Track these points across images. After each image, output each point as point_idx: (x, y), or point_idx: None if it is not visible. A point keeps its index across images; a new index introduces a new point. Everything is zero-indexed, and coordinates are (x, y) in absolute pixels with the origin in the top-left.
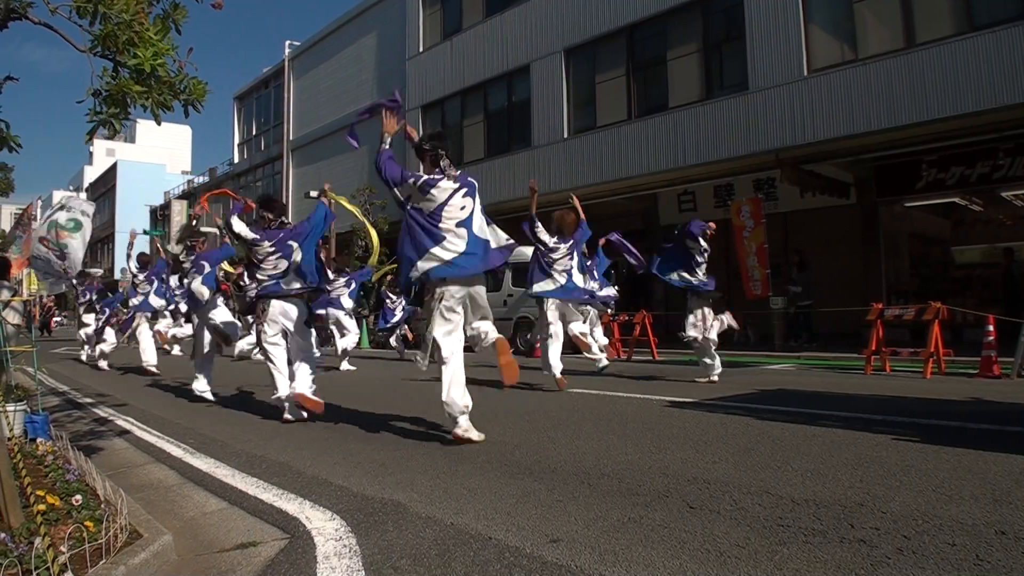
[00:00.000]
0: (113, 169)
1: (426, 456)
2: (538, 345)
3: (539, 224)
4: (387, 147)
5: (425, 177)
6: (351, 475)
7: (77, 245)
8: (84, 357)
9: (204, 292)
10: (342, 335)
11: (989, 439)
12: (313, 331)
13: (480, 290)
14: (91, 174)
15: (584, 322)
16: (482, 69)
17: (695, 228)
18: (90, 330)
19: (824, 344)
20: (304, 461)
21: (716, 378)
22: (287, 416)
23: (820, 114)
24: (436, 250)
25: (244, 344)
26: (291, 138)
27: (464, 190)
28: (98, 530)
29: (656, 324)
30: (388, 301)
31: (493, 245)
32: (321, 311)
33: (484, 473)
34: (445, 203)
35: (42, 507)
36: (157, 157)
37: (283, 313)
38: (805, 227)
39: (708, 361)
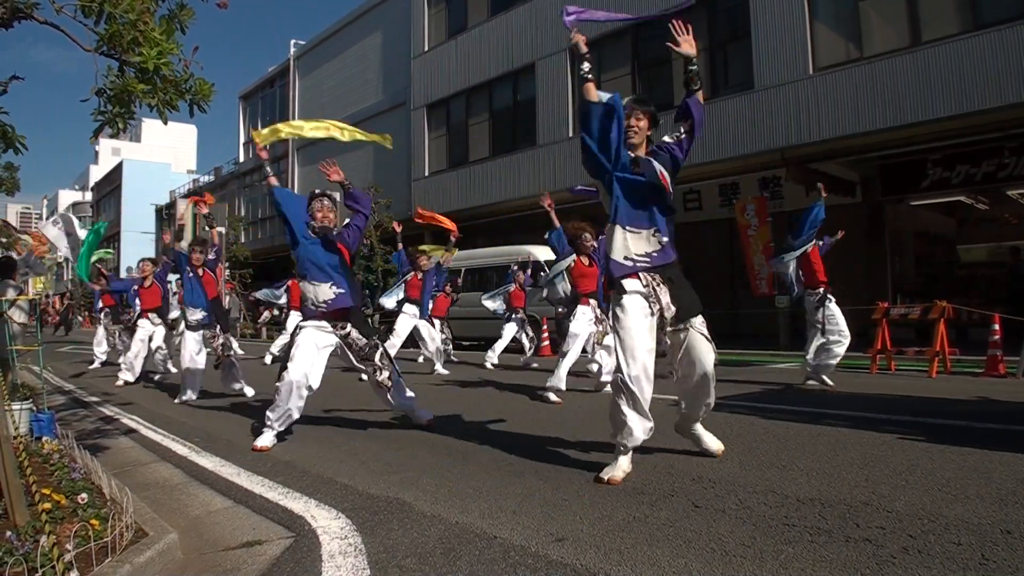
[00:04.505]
0: (118, 168)
1: (431, 455)
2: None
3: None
4: None
5: None
6: (356, 474)
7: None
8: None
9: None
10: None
11: (994, 438)
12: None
13: None
14: (96, 173)
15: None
16: (487, 68)
17: None
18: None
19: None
20: (309, 460)
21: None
22: None
23: (825, 113)
24: None
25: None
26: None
27: None
28: (103, 528)
29: None
30: None
31: None
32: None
33: (488, 472)
34: None
35: (47, 505)
36: (162, 156)
37: None
38: None
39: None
